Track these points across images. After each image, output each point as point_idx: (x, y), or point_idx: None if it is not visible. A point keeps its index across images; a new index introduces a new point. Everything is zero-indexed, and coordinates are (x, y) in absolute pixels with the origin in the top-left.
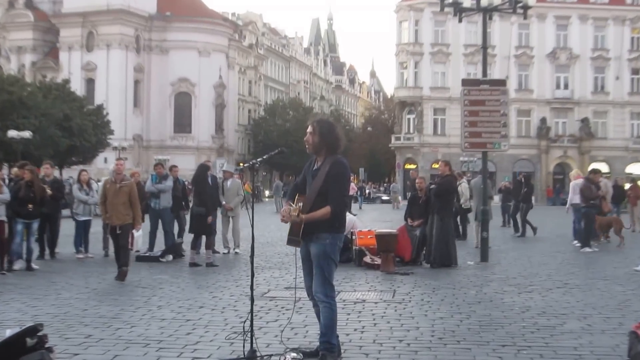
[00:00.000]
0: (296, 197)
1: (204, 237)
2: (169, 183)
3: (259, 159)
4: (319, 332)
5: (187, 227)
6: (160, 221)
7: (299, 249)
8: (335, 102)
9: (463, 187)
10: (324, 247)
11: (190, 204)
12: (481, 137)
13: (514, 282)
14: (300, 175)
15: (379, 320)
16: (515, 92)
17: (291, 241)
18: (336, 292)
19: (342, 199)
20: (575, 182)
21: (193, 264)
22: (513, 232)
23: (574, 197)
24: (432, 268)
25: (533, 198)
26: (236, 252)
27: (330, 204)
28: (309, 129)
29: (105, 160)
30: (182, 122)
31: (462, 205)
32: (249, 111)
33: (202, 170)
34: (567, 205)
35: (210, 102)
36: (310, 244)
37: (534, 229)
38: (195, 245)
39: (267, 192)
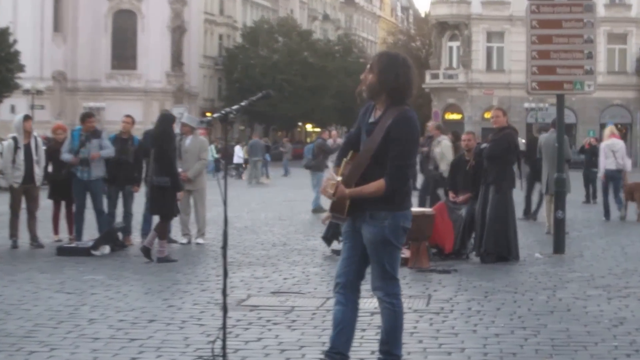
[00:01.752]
0: (344, 160)
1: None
2: (106, 143)
3: (234, 107)
4: (322, 353)
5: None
6: (89, 197)
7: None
8: (345, 24)
9: (443, 146)
10: (382, 231)
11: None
12: (556, 73)
13: (601, 283)
14: (354, 126)
15: (408, 339)
16: (606, 9)
17: (335, 218)
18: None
19: (404, 170)
20: (606, 144)
21: (164, 259)
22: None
23: (607, 162)
24: (484, 263)
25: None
26: (197, 242)
27: (386, 176)
28: (368, 65)
29: (13, 109)
30: (124, 53)
31: (443, 174)
32: (220, 37)
33: (167, 122)
34: (601, 173)
35: (164, 24)
36: (363, 225)
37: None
38: (164, 233)
39: (238, 155)
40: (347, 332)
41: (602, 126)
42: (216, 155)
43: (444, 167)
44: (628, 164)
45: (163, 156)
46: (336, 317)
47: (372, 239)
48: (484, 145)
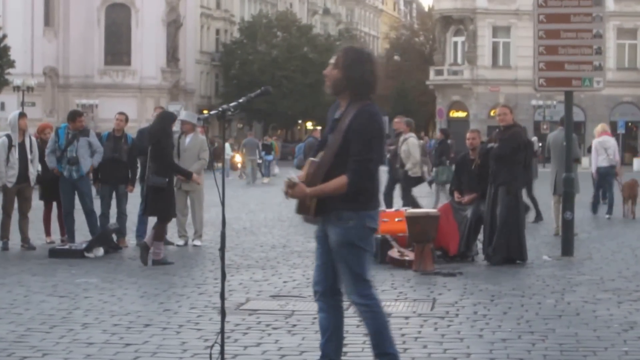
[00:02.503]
0: (309, 159)
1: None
2: (95, 142)
3: (232, 104)
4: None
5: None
6: (77, 197)
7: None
8: (345, 18)
9: (410, 144)
10: (346, 232)
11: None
12: (564, 69)
13: (611, 286)
14: (327, 125)
15: (412, 344)
16: (615, 3)
17: (306, 219)
18: (374, 291)
19: (365, 165)
20: (598, 141)
21: (159, 262)
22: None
23: (599, 159)
24: (491, 263)
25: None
26: (194, 244)
27: (347, 172)
28: (332, 59)
29: (3, 106)
30: (117, 49)
31: (409, 172)
32: (217, 32)
33: (166, 121)
34: (593, 169)
35: (159, 18)
36: (329, 227)
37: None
38: (162, 235)
39: (227, 153)
40: (336, 338)
41: (612, 124)
42: (231, 154)
43: (410, 166)
44: (619, 160)
45: (161, 156)
46: (322, 324)
47: (336, 241)
48: (491, 144)
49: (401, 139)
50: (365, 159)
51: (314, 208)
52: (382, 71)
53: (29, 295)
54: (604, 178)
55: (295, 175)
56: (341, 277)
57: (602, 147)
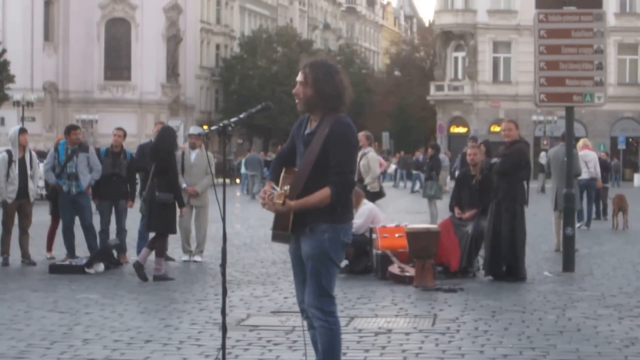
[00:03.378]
0: (282, 174)
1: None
2: (94, 159)
3: (233, 119)
4: None
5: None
6: (77, 212)
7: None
8: (346, 34)
9: (370, 158)
10: (320, 245)
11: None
12: (565, 85)
13: (612, 302)
14: (287, 141)
15: None
16: (616, 18)
17: (278, 236)
18: (337, 307)
19: (347, 177)
20: (580, 155)
21: (160, 278)
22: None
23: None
24: (492, 277)
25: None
26: (195, 260)
27: (330, 184)
28: (299, 77)
29: (2, 121)
30: (117, 64)
31: (368, 188)
32: (217, 47)
33: (168, 136)
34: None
35: (159, 33)
36: (302, 240)
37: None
38: (162, 250)
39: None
40: None
41: (613, 139)
42: (245, 171)
43: (369, 180)
44: (599, 172)
45: (165, 172)
46: (313, 341)
47: (311, 253)
48: (494, 160)
49: (360, 153)
50: (347, 170)
51: (291, 222)
52: (349, 80)
53: (30, 311)
54: (585, 190)
55: (273, 187)
56: (308, 289)
57: (583, 160)
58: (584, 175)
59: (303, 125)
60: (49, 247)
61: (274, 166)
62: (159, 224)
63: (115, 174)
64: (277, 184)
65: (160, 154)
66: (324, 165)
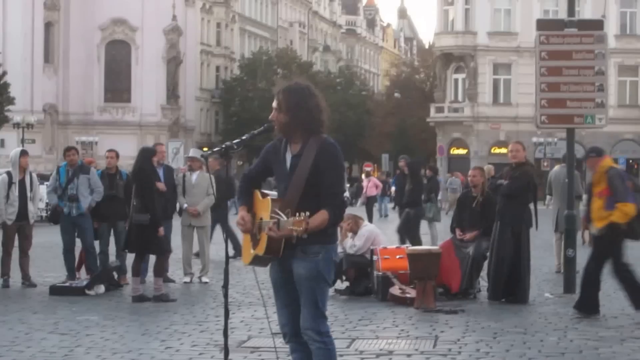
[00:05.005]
0: (268, 199)
1: (152, 258)
2: (95, 180)
3: (235, 141)
4: None
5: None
6: (77, 234)
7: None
8: (346, 55)
9: None
10: (316, 266)
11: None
12: (566, 106)
13: (614, 323)
14: (256, 163)
15: None
16: (616, 40)
17: (261, 260)
18: (331, 330)
19: (340, 197)
20: None
21: (138, 298)
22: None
23: None
24: (493, 301)
25: None
26: (201, 280)
27: (326, 207)
28: (274, 103)
29: (2, 143)
30: (117, 86)
31: None
32: (217, 69)
33: (145, 156)
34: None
35: (159, 55)
36: (295, 262)
37: None
38: (137, 271)
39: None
40: None
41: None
42: None
43: None
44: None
45: (143, 193)
46: None
47: (306, 275)
48: (501, 181)
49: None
50: (339, 191)
51: (282, 246)
52: (323, 102)
53: (30, 333)
54: None
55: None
56: (303, 312)
57: None
58: None
59: (282, 147)
60: (78, 268)
61: (244, 188)
62: (134, 245)
63: (113, 195)
64: (250, 205)
65: (137, 175)
66: (311, 188)
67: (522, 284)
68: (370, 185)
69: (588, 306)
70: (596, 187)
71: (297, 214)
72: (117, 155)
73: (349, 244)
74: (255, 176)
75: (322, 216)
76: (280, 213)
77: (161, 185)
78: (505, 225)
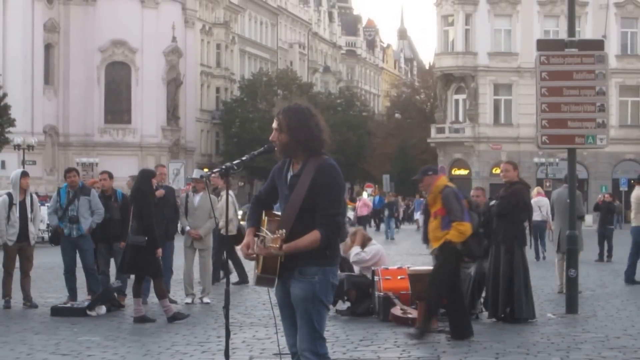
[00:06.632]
0: (264, 218)
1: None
2: (96, 202)
3: (236, 162)
4: None
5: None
6: (78, 255)
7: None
8: (346, 76)
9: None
10: (311, 287)
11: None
12: (567, 127)
13: (616, 344)
14: (265, 184)
15: None
16: (617, 60)
17: (263, 280)
18: (332, 351)
19: (336, 219)
20: (534, 200)
21: (140, 319)
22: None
23: (534, 215)
24: (496, 322)
25: None
26: (203, 301)
27: (319, 227)
28: (274, 124)
29: (3, 164)
30: (117, 107)
31: (222, 231)
32: (218, 90)
33: (144, 178)
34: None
35: (159, 76)
36: (292, 283)
37: None
38: (138, 292)
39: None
40: None
41: (615, 182)
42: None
43: (223, 224)
44: (550, 216)
45: (141, 214)
46: None
47: (302, 296)
48: (493, 201)
49: (216, 192)
50: (335, 213)
51: (278, 266)
52: (323, 120)
53: (32, 354)
54: (538, 230)
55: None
56: (300, 333)
57: (537, 205)
58: (537, 217)
59: (285, 167)
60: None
61: (254, 209)
62: (130, 266)
63: (109, 217)
64: (258, 227)
65: (135, 197)
66: (309, 208)
67: (518, 301)
68: (361, 205)
69: (461, 330)
70: (432, 207)
71: (276, 232)
72: (111, 177)
73: (354, 251)
74: (263, 195)
75: (312, 236)
76: (265, 230)
77: (159, 192)
78: (499, 244)
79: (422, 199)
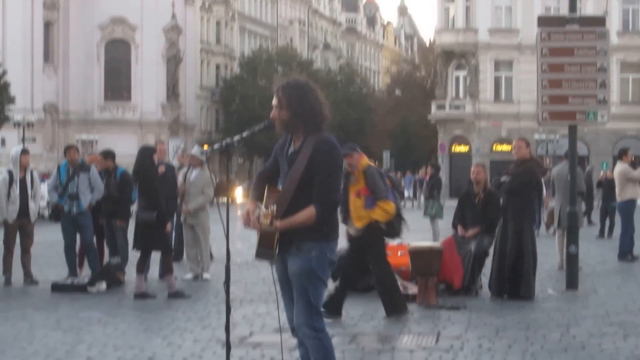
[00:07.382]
0: (265, 192)
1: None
2: (95, 179)
3: (236, 138)
4: None
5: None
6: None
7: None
8: (346, 53)
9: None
10: (308, 263)
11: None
12: (567, 103)
13: (617, 319)
14: (269, 159)
15: None
16: (619, 36)
17: (262, 254)
18: (332, 327)
19: (332, 196)
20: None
21: (140, 295)
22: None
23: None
24: (496, 298)
25: None
26: (202, 277)
27: (315, 203)
28: (274, 101)
29: (3, 142)
30: (117, 84)
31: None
32: (217, 67)
33: (146, 155)
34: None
35: (159, 54)
36: (289, 258)
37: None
38: (142, 268)
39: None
40: None
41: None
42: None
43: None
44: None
45: (146, 191)
46: (303, 358)
47: (297, 271)
48: (504, 178)
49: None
50: (331, 189)
51: (276, 242)
52: (323, 97)
53: (33, 330)
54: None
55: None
56: (296, 307)
57: None
58: None
59: (287, 144)
60: (80, 265)
61: (256, 184)
62: (140, 242)
63: (107, 194)
64: (260, 203)
65: (139, 174)
66: (308, 184)
67: (526, 279)
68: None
69: (334, 307)
70: (354, 186)
71: (267, 207)
72: (106, 156)
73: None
74: (267, 171)
75: (308, 212)
76: (260, 205)
77: (161, 169)
78: (507, 222)
79: (412, 176)
